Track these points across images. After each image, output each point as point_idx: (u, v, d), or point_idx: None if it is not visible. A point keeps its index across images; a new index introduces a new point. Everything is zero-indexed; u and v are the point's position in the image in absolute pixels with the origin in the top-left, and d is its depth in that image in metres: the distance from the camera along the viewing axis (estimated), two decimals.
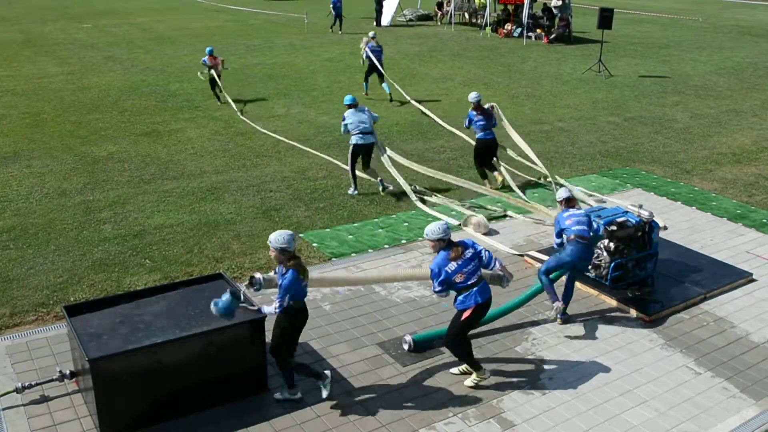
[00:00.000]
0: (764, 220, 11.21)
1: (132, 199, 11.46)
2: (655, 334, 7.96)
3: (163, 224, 10.53)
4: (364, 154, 11.56)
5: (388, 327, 7.94)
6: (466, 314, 6.65)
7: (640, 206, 8.93)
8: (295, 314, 6.42)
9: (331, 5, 30.63)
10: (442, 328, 7.70)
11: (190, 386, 6.34)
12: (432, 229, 6.63)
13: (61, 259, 9.36)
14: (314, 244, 9.94)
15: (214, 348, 6.38)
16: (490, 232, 10.45)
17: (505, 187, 11.94)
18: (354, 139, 11.43)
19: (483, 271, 6.82)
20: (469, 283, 6.59)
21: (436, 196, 11.62)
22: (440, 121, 15.97)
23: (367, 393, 6.81)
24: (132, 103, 17.70)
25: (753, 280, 9.21)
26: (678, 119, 17.28)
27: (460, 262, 6.57)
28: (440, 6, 34.88)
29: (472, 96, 11.92)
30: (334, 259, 9.55)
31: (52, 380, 6.65)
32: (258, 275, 6.51)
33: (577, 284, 8.86)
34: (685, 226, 10.87)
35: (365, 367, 7.18)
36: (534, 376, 7.13)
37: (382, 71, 18.51)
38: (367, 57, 18.62)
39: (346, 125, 11.47)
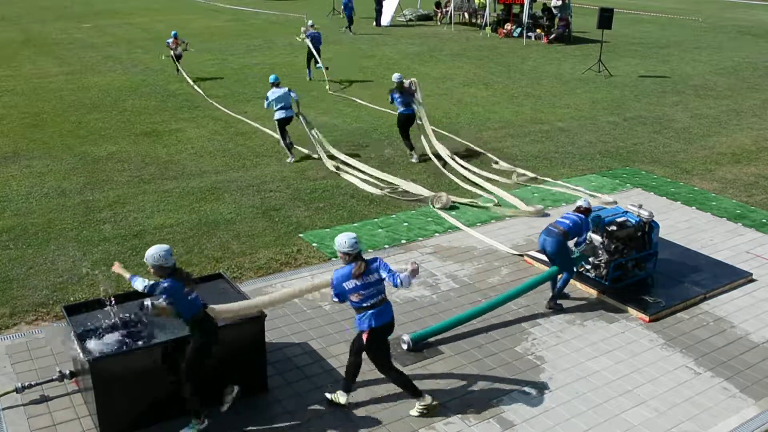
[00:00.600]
0: (764, 220, 11.21)
1: (132, 199, 11.46)
2: (655, 334, 7.96)
3: (163, 224, 10.53)
4: (286, 124, 13.44)
5: None
6: (365, 337, 6.37)
7: (640, 206, 8.93)
8: (199, 327, 6.00)
9: (342, 6, 30.56)
10: (439, 324, 7.74)
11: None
12: (340, 242, 6.31)
13: (61, 258, 9.36)
14: (314, 244, 9.94)
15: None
16: (491, 233, 10.46)
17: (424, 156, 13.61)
18: (278, 114, 13.29)
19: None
20: (364, 305, 6.29)
21: (359, 171, 12.76)
22: (360, 101, 18.30)
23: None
24: (132, 103, 17.71)
25: (753, 280, 9.21)
26: (678, 119, 17.28)
27: (359, 283, 6.26)
28: (439, 6, 34.87)
29: (395, 77, 13.53)
30: (334, 259, 9.55)
31: (52, 380, 6.65)
32: (147, 302, 6.02)
33: (578, 284, 8.88)
34: (685, 226, 10.87)
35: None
36: (534, 376, 7.13)
37: (317, 57, 20.68)
38: (308, 42, 20.70)
39: (270, 101, 13.26)
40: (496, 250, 9.95)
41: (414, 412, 6.49)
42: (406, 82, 13.53)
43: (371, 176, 12.52)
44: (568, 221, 8.24)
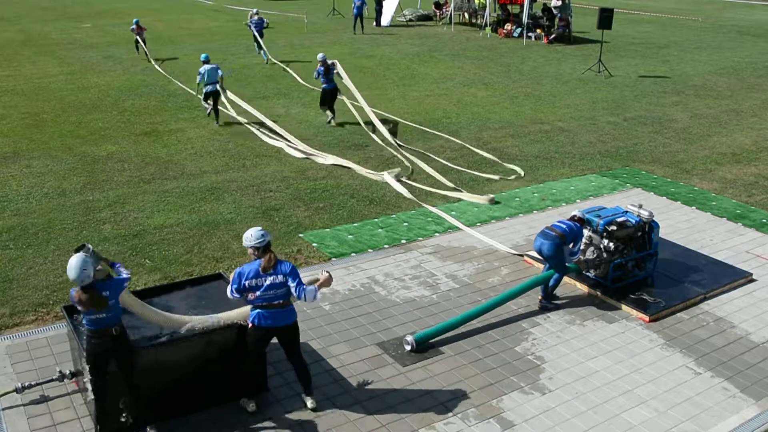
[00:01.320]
0: (764, 220, 11.21)
1: (132, 199, 11.46)
2: (655, 334, 7.96)
3: (163, 224, 10.53)
4: (213, 95, 15.91)
5: (388, 327, 7.94)
6: (249, 326, 6.32)
7: (640, 206, 8.93)
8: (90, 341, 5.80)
9: (354, 6, 30.29)
10: (442, 324, 7.74)
11: (191, 386, 6.34)
12: (246, 236, 6.26)
13: (61, 259, 9.35)
14: (314, 244, 9.94)
15: (215, 348, 6.38)
16: (491, 233, 10.46)
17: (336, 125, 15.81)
18: (207, 88, 15.85)
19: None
20: (257, 303, 6.21)
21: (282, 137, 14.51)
22: (299, 78, 20.66)
23: (367, 393, 6.81)
24: (132, 103, 17.70)
25: (753, 280, 9.21)
26: (678, 119, 17.29)
27: (261, 282, 6.15)
28: (438, 6, 34.87)
29: (319, 56, 16.26)
30: (334, 259, 9.55)
31: (52, 380, 6.65)
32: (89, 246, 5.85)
33: (577, 284, 8.88)
34: (685, 226, 10.87)
35: (365, 367, 7.18)
36: (534, 376, 7.13)
37: (261, 42, 23.59)
38: (252, 28, 23.94)
39: (202, 76, 15.75)
40: (496, 250, 9.95)
41: (247, 404, 6.48)
42: (329, 62, 16.09)
43: (288, 141, 14.44)
44: (564, 226, 8.29)
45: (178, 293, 7.06)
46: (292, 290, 6.20)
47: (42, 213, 10.84)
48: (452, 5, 32.88)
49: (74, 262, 5.54)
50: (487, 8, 31.52)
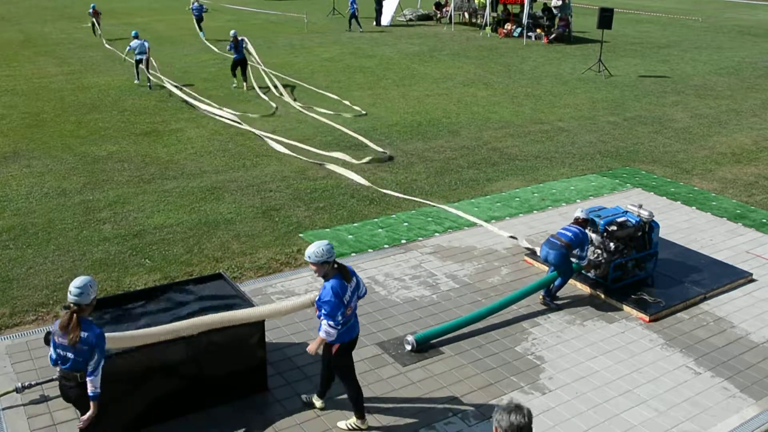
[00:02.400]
0: (764, 220, 11.21)
1: (132, 199, 11.46)
2: (655, 334, 7.96)
3: (163, 224, 10.53)
4: (140, 63, 19.34)
5: (388, 327, 7.94)
6: (334, 349, 6.00)
7: (640, 206, 8.93)
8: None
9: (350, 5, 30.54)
10: (443, 325, 7.73)
11: (191, 386, 6.34)
12: (316, 252, 5.71)
13: (61, 258, 9.36)
14: None
15: (214, 348, 6.38)
16: (491, 233, 10.46)
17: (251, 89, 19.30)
18: (137, 57, 19.30)
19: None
20: (350, 317, 5.93)
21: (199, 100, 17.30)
22: (206, 41, 26.04)
23: (367, 393, 6.80)
24: (132, 103, 17.70)
25: (753, 280, 9.21)
26: (678, 119, 17.29)
27: (350, 292, 5.84)
28: (438, 6, 34.88)
29: (231, 33, 19.73)
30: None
31: (52, 380, 6.65)
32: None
33: (577, 284, 8.89)
34: (685, 226, 10.87)
35: (365, 367, 7.18)
36: (534, 376, 7.13)
37: (199, 26, 28.19)
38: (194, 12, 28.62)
39: (132, 48, 19.22)
40: (496, 250, 9.95)
41: (342, 425, 6.28)
42: (239, 38, 19.53)
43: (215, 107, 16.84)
44: (569, 233, 8.26)
45: (178, 293, 7.05)
46: (361, 287, 6.09)
47: (42, 213, 10.84)
48: (452, 5, 32.88)
49: (83, 278, 5.24)
50: (487, 8, 31.52)
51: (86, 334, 5.07)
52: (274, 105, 17.50)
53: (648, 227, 8.88)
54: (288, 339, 7.66)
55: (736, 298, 8.80)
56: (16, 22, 33.02)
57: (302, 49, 26.23)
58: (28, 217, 10.69)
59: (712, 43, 29.87)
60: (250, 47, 20.55)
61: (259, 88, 19.20)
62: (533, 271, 9.33)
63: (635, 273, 8.95)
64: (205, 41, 26.62)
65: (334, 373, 6.25)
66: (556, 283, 8.39)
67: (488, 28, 30.80)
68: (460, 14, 34.27)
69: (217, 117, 16.15)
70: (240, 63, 19.47)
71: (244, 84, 19.41)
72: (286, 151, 13.78)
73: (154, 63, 20.36)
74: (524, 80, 21.40)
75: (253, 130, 15.16)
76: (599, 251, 8.74)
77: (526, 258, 9.66)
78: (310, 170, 12.94)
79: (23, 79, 20.38)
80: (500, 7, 32.52)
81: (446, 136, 15.35)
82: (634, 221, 8.78)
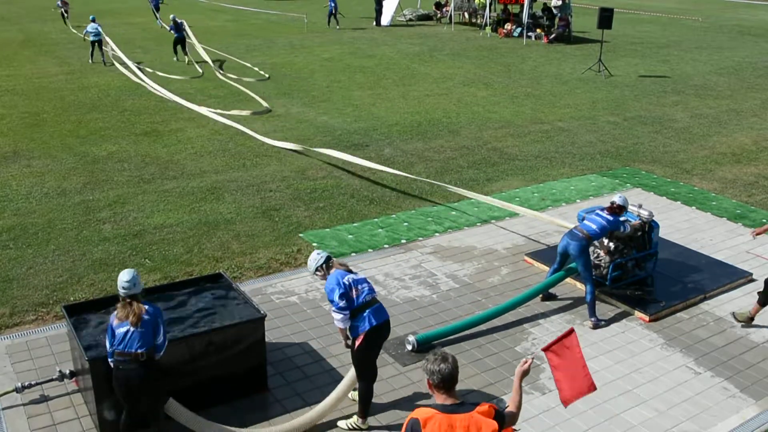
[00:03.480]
0: (764, 220, 11.20)
1: (132, 198, 11.46)
2: (655, 334, 7.96)
3: (163, 224, 10.53)
4: (96, 44, 22.65)
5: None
6: (357, 341, 6.07)
7: (640, 206, 8.92)
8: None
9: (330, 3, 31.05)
10: (446, 326, 7.73)
11: (190, 386, 6.34)
12: (309, 263, 6.28)
13: (61, 258, 9.36)
14: (314, 244, 9.94)
15: (214, 348, 6.38)
16: (491, 232, 10.46)
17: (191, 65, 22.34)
18: (91, 38, 22.49)
19: None
20: (361, 301, 6.04)
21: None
22: (161, 22, 29.37)
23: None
24: (132, 103, 17.70)
25: (753, 280, 9.20)
26: (678, 119, 17.29)
27: (352, 279, 6.09)
28: (438, 6, 34.88)
29: (171, 17, 24.06)
30: (334, 259, 9.54)
31: (51, 380, 6.65)
32: None
33: (577, 284, 8.88)
34: (685, 226, 10.87)
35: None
36: (534, 376, 7.13)
37: (156, 14, 32.18)
38: (150, 3, 33.06)
39: (87, 31, 22.63)
40: (495, 249, 9.95)
41: (342, 424, 6.30)
42: (178, 21, 23.44)
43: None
44: (595, 226, 8.10)
45: (177, 293, 7.06)
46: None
47: (42, 213, 10.84)
48: (452, 5, 32.88)
49: (128, 272, 5.72)
50: (487, 8, 31.52)
51: (147, 307, 5.66)
52: (200, 71, 21.76)
53: (648, 227, 8.87)
54: (288, 339, 7.66)
55: (736, 298, 8.80)
56: (16, 22, 33.02)
57: (302, 48, 26.24)
58: (28, 217, 10.69)
59: (712, 43, 29.87)
60: (187, 28, 24.55)
61: (213, 62, 22.77)
62: (533, 271, 9.33)
63: (635, 273, 8.95)
64: (163, 24, 29.75)
65: (353, 364, 6.25)
66: (588, 298, 8.10)
67: (488, 28, 30.80)
68: (460, 14, 34.28)
69: (157, 92, 18.68)
70: (180, 41, 23.42)
71: (186, 57, 23.20)
72: (198, 109, 16.59)
73: (109, 41, 23.90)
74: (524, 80, 21.40)
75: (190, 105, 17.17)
76: (599, 251, 8.74)
77: (526, 258, 9.66)
78: (310, 170, 12.94)
79: (23, 79, 20.38)
80: (500, 7, 32.54)
81: (446, 136, 15.35)
82: (634, 221, 8.78)
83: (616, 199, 8.36)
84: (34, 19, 34.25)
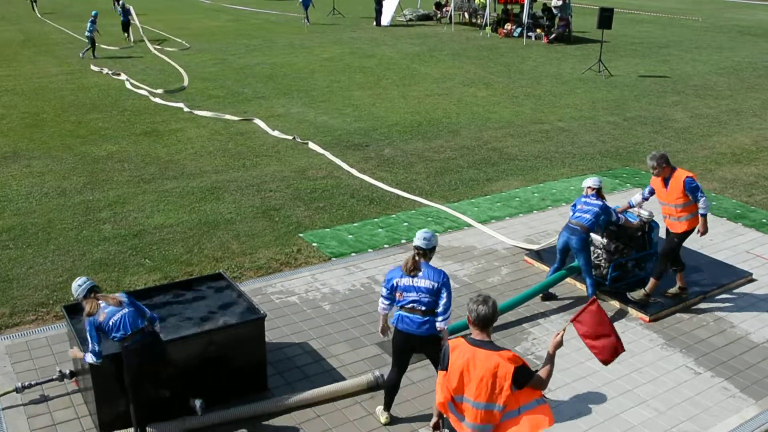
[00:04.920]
0: (764, 220, 11.21)
1: (132, 198, 11.46)
2: (655, 334, 7.96)
3: (163, 224, 10.53)
4: (90, 40, 24.04)
5: (388, 327, 7.92)
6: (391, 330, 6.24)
7: (640, 206, 8.91)
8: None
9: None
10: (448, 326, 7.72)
11: (190, 386, 6.34)
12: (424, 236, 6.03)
13: (61, 258, 9.36)
14: (314, 244, 9.94)
15: (214, 348, 6.38)
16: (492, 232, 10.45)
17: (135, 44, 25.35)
18: (87, 34, 23.87)
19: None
20: (402, 305, 5.97)
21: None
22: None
23: (367, 393, 6.80)
24: (132, 103, 17.70)
25: (753, 280, 9.21)
26: (678, 119, 17.29)
27: (405, 279, 5.93)
28: (438, 6, 34.88)
29: (121, 2, 27.88)
30: (333, 258, 9.56)
31: (51, 380, 6.65)
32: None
33: (577, 284, 8.88)
34: None
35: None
36: None
37: (115, 4, 34.55)
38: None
39: (90, 28, 23.73)
40: (495, 250, 9.95)
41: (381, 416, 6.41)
42: (127, 7, 27.64)
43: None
44: (589, 216, 8.12)
45: (177, 293, 7.06)
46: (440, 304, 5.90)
47: (42, 213, 10.84)
48: (452, 5, 32.89)
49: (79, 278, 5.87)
50: (487, 8, 31.53)
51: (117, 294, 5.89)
52: (132, 43, 26.41)
53: (648, 227, 8.87)
54: (288, 339, 7.66)
55: (736, 298, 8.80)
56: (16, 22, 33.02)
57: (302, 48, 26.24)
58: (28, 217, 10.69)
59: (712, 43, 29.87)
60: (133, 14, 28.05)
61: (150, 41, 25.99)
62: (533, 271, 9.33)
63: (635, 273, 8.95)
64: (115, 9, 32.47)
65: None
66: (589, 291, 8.20)
67: (488, 28, 30.81)
68: (460, 14, 34.29)
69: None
70: (126, 24, 27.47)
71: (125, 35, 27.40)
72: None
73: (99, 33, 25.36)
74: (524, 80, 21.40)
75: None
76: (599, 251, 8.74)
77: (526, 258, 9.66)
78: (310, 170, 12.94)
79: (23, 79, 20.38)
80: (500, 7, 32.55)
81: (446, 136, 15.35)
82: (634, 221, 8.77)
83: (590, 183, 8.36)
84: (34, 19, 34.25)
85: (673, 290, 8.53)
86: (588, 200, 8.29)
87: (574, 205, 8.42)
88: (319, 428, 6.32)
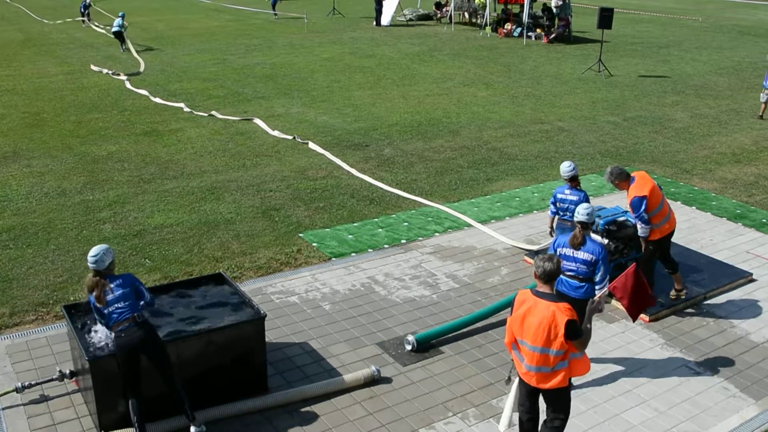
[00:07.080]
0: (764, 220, 11.21)
1: (132, 198, 11.46)
2: (655, 334, 7.96)
3: (163, 224, 10.53)
4: (117, 35, 25.37)
5: (388, 327, 7.94)
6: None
7: None
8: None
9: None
10: (444, 326, 7.73)
11: (190, 386, 6.34)
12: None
13: (61, 258, 9.36)
14: (314, 244, 9.94)
15: (215, 348, 6.38)
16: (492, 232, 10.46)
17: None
18: (114, 29, 25.44)
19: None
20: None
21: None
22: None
23: (367, 393, 6.81)
24: (132, 103, 17.70)
25: (753, 280, 9.21)
26: (678, 119, 17.29)
27: (573, 253, 6.75)
28: (439, 6, 34.88)
29: (88, 1, 30.98)
30: (334, 258, 9.56)
31: (51, 380, 6.65)
32: None
33: None
34: (685, 226, 10.87)
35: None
36: None
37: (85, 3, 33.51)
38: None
39: (119, 23, 25.06)
40: (495, 250, 9.96)
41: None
42: (87, 1, 30.69)
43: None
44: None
45: (177, 293, 7.05)
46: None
47: (42, 213, 10.84)
48: (452, 5, 32.88)
49: (97, 247, 5.98)
50: (487, 8, 31.52)
51: (118, 280, 5.95)
52: (82, 23, 30.86)
53: None
54: (288, 339, 7.66)
55: (736, 298, 8.80)
56: (16, 22, 33.03)
57: (302, 48, 26.24)
58: (28, 217, 10.69)
59: (712, 43, 29.87)
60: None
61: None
62: (533, 270, 9.31)
63: None
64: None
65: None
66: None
67: (488, 28, 30.80)
68: (460, 14, 34.27)
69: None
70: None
71: (84, 19, 31.44)
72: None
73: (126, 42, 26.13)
74: (524, 80, 21.40)
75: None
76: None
77: (526, 258, 9.66)
78: (310, 170, 12.94)
79: (23, 79, 20.38)
80: (500, 7, 32.54)
81: (446, 136, 15.35)
82: (633, 221, 8.77)
83: (565, 170, 8.40)
84: (34, 19, 34.25)
85: (672, 293, 8.55)
86: (571, 191, 8.39)
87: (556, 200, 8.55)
88: (319, 428, 6.32)
